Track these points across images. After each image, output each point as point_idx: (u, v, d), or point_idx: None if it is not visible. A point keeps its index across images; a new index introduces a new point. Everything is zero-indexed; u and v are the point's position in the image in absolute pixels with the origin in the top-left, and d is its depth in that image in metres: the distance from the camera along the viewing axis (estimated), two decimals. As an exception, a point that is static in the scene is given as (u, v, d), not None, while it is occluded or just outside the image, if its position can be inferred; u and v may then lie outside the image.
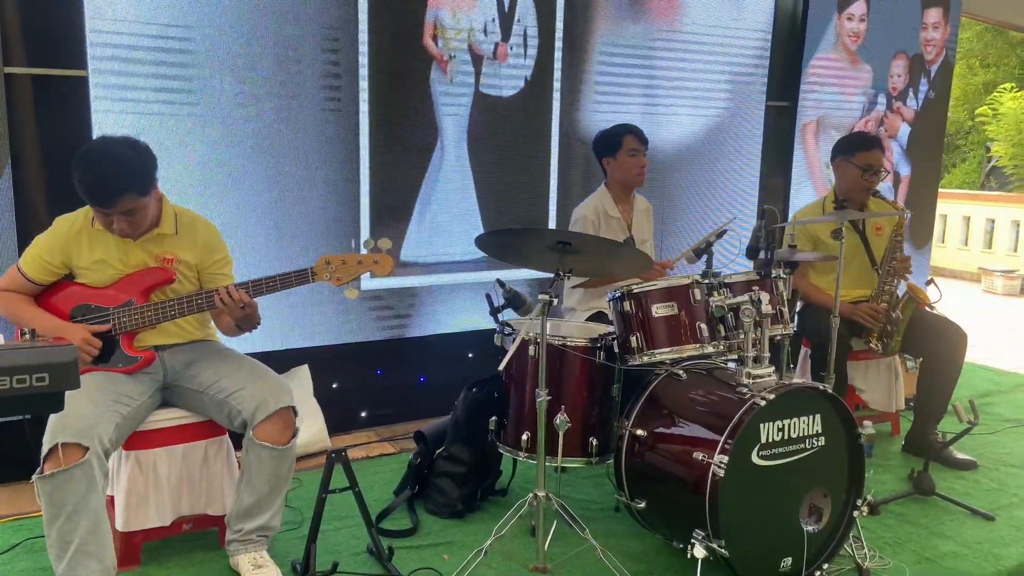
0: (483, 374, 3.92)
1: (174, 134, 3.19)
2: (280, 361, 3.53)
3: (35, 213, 2.95)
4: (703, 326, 2.51)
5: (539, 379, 2.38)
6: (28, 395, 1.42)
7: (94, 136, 3.00)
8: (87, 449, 2.15)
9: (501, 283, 2.70)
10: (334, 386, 3.74)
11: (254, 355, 3.28)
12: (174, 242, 2.47)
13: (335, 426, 3.64)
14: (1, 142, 2.88)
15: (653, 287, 2.54)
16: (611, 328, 2.82)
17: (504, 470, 3.09)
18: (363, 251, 2.43)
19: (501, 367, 2.21)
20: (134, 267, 2.43)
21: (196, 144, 3.24)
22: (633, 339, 2.55)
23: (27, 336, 2.41)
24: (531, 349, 2.65)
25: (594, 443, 2.65)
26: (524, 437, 2.66)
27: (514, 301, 2.70)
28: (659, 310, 2.52)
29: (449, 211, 3.85)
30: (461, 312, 4.00)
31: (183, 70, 3.17)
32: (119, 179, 2.23)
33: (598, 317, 3.18)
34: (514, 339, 2.45)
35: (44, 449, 2.13)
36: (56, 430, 2.15)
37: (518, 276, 3.93)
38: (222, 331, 2.59)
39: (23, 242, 2.77)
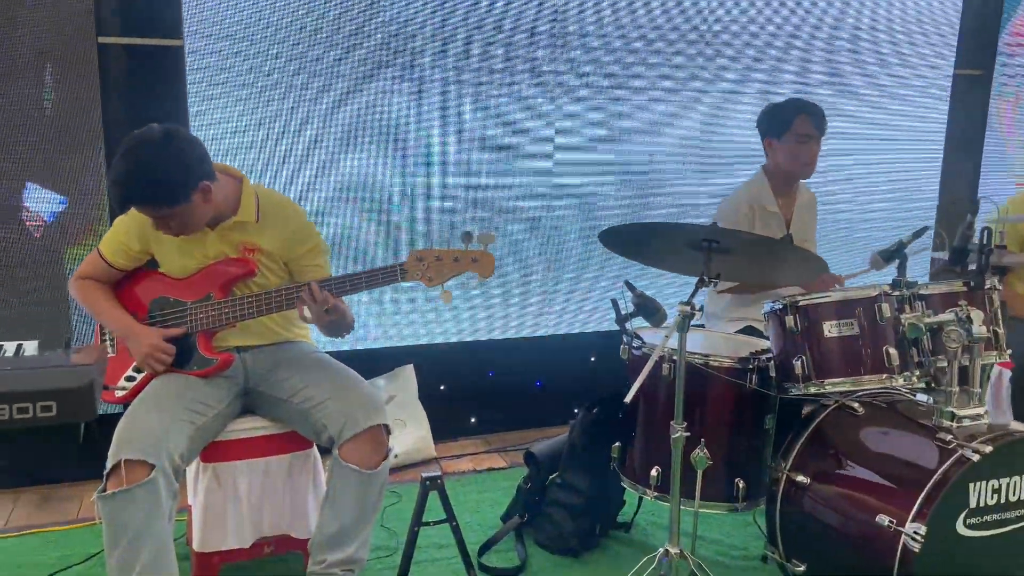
0: (606, 381, 3.52)
1: (270, 113, 2.94)
2: (383, 360, 3.28)
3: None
4: (892, 351, 1.96)
5: (675, 409, 1.93)
6: (32, 428, 1.14)
7: (190, 110, 2.81)
8: (153, 467, 1.89)
9: (630, 286, 2.25)
10: (441, 388, 3.43)
11: (354, 353, 3.02)
12: (255, 230, 2.18)
13: (441, 432, 3.32)
14: (95, 115, 2.71)
15: (826, 299, 2.01)
16: (765, 344, 2.31)
17: (628, 499, 2.66)
18: (460, 246, 2.04)
19: (628, 399, 1.77)
20: (214, 258, 2.17)
21: (292, 126, 2.98)
22: (797, 363, 2.03)
23: (105, 340, 2.21)
24: (664, 367, 2.19)
25: (740, 485, 2.17)
26: (654, 473, 2.21)
27: (645, 308, 2.24)
28: (833, 328, 1.99)
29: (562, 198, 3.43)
30: (583, 310, 3.58)
31: (286, 46, 2.90)
32: (130, 189, 1.94)
33: (749, 332, 2.65)
34: (640, 352, 2.01)
35: (108, 464, 1.90)
36: (121, 444, 1.91)
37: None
38: (320, 332, 2.29)
39: (113, 215, 2.58)
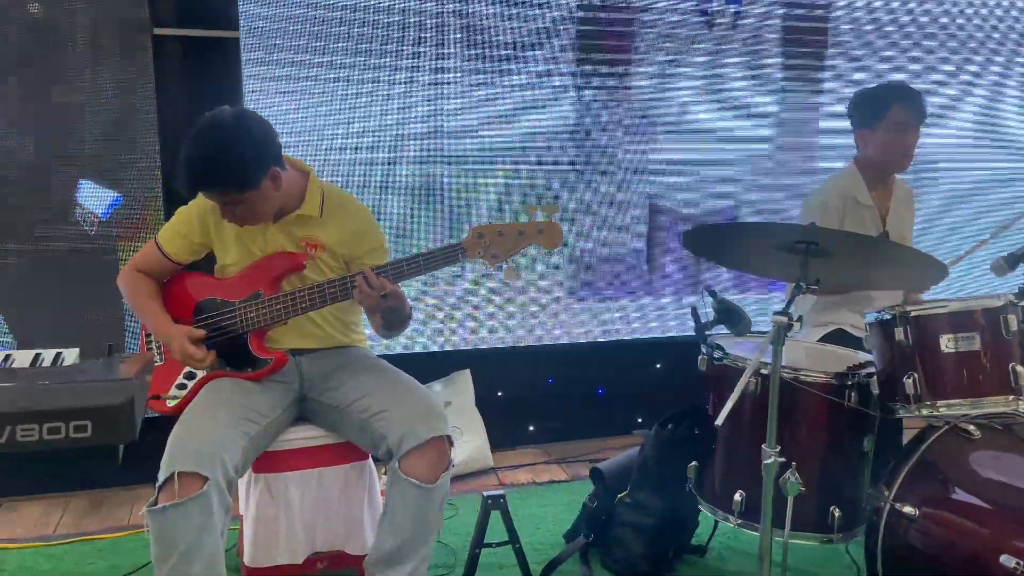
0: (673, 389, 3.33)
1: (329, 106, 2.84)
2: (439, 364, 3.16)
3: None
4: (1019, 369, 1.73)
5: (768, 432, 1.74)
6: (65, 449, 1.02)
7: (245, 103, 2.72)
8: (206, 480, 1.78)
9: (712, 292, 2.06)
10: (499, 394, 3.29)
11: (409, 357, 2.89)
12: (318, 225, 2.08)
13: (498, 440, 3.17)
14: (149, 109, 2.63)
15: (943, 309, 1.80)
16: (863, 358, 2.10)
17: (703, 520, 2.47)
18: (524, 219, 1.91)
19: (719, 421, 1.59)
20: (272, 252, 2.06)
21: (349, 118, 2.87)
22: (908, 382, 1.82)
23: (151, 347, 2.12)
24: (750, 382, 2.00)
25: (836, 514, 1.97)
26: (737, 497, 2.02)
27: (729, 317, 2.05)
28: (951, 343, 1.77)
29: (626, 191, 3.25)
30: (646, 316, 3.40)
31: (344, 38, 2.80)
32: (201, 172, 1.85)
33: (839, 337, 2.44)
34: (721, 363, 1.82)
35: (160, 477, 1.80)
36: (174, 455, 1.80)
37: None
38: (375, 331, 2.17)
39: (169, 212, 2.49)
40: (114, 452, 1.03)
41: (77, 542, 2.46)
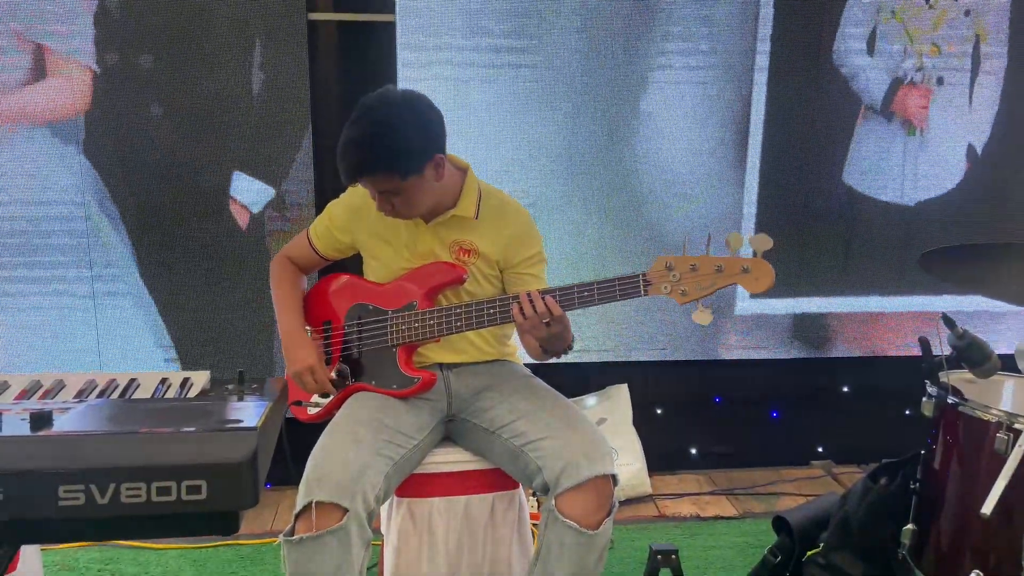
0: (859, 416, 2.91)
1: (487, 96, 2.62)
2: (594, 377, 2.90)
3: (335, 175, 2.53)
4: None
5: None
6: (174, 515, 0.84)
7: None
8: (346, 511, 1.62)
9: (950, 322, 1.66)
10: (657, 412, 2.99)
11: (557, 367, 2.65)
12: (474, 229, 1.87)
13: (655, 463, 2.87)
14: (303, 96, 2.51)
15: None
16: None
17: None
18: (724, 253, 1.60)
19: (987, 509, 1.21)
20: (421, 256, 1.88)
21: (506, 108, 2.64)
22: None
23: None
24: (1000, 437, 1.59)
25: (1115, 617, 1.53)
26: (975, 580, 1.62)
27: (970, 354, 1.65)
28: None
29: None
30: (834, 327, 2.97)
31: (502, 22, 2.57)
32: (365, 153, 1.68)
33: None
34: (954, 408, 1.42)
35: (298, 504, 1.65)
36: (311, 483, 1.65)
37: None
38: (527, 351, 1.94)
39: (321, 205, 2.38)
40: (233, 516, 0.85)
41: (222, 546, 2.40)
